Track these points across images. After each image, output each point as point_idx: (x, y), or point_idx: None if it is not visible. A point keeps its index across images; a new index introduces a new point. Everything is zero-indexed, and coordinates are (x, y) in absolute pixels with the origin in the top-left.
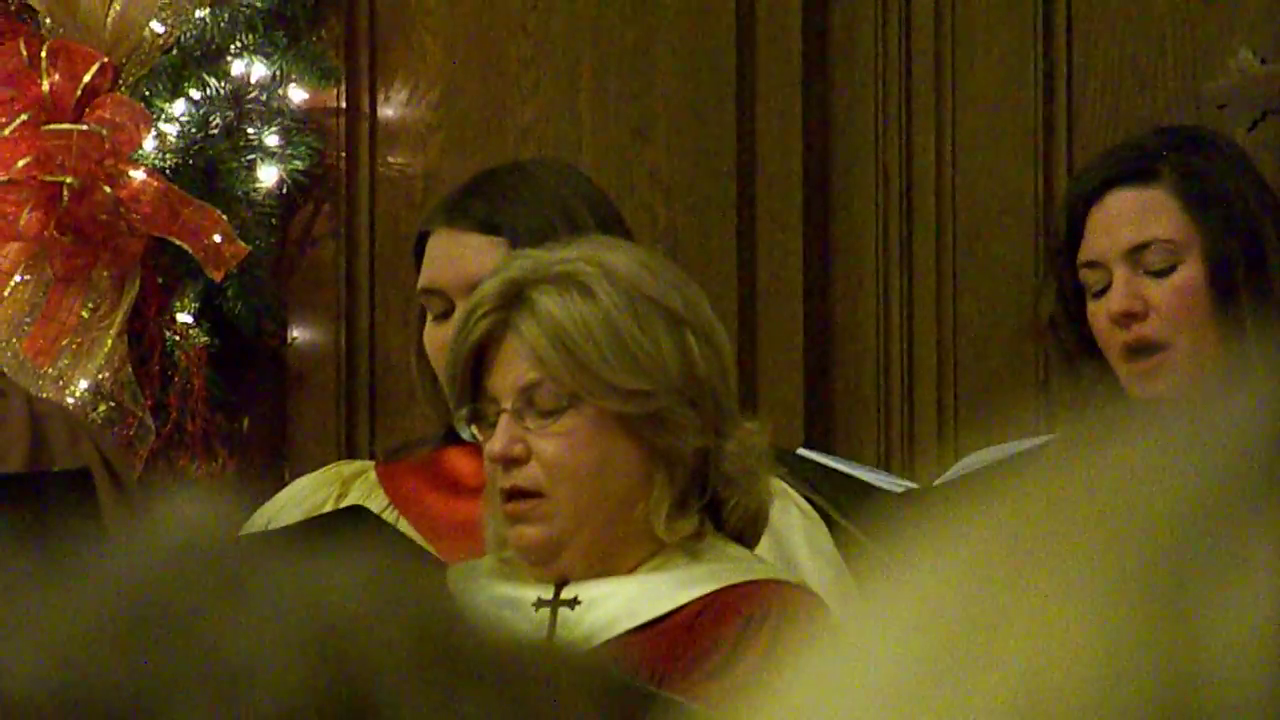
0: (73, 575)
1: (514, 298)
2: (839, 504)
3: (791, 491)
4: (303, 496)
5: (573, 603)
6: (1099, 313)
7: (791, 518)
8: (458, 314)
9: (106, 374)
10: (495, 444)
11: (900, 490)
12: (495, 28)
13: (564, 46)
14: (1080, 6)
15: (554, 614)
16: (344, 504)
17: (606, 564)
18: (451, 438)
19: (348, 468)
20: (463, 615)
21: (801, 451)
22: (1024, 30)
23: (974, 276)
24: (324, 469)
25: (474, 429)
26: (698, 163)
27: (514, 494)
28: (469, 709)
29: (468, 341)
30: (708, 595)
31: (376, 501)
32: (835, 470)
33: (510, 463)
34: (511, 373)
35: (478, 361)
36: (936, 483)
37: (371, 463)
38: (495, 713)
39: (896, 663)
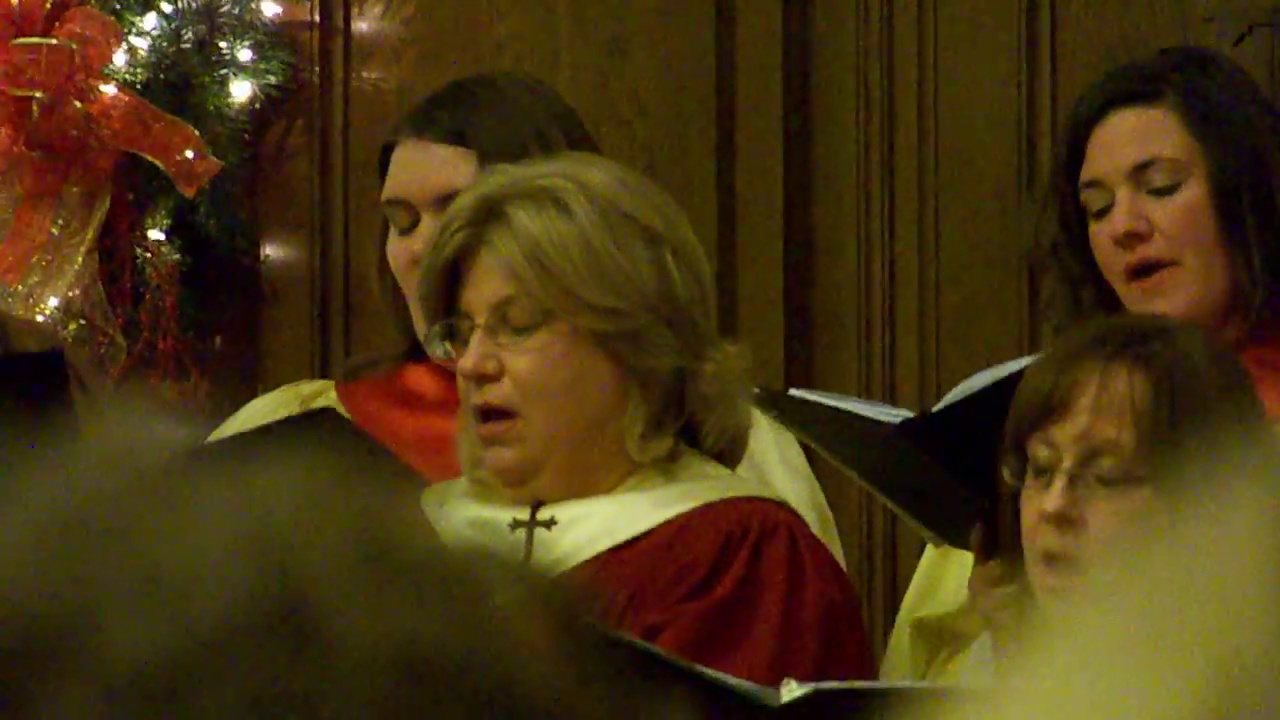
0: (32, 470)
1: (490, 213)
2: (832, 447)
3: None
4: (261, 416)
5: (549, 523)
6: (1101, 233)
7: (762, 432)
8: (426, 227)
9: (77, 291)
10: (468, 359)
11: (896, 419)
12: None
13: None
14: None
15: (530, 535)
16: None
17: (582, 484)
18: (413, 354)
19: (308, 386)
20: (402, 521)
21: (794, 391)
22: None
23: (956, 192)
24: (282, 388)
25: (447, 345)
26: (676, 79)
27: (487, 413)
28: (405, 615)
29: (442, 255)
30: (687, 513)
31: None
32: (828, 407)
33: (483, 379)
34: (486, 288)
35: (452, 277)
36: (935, 409)
37: (331, 382)
38: (432, 619)
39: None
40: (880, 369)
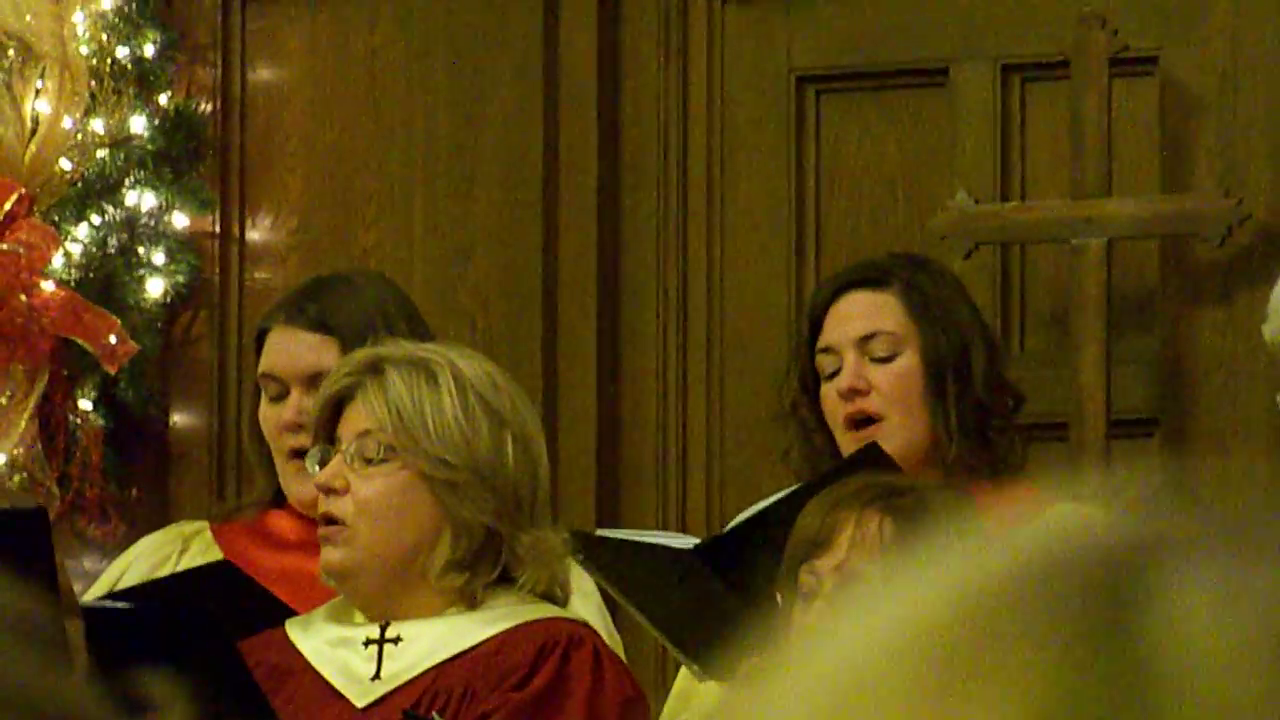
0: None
1: (373, 367)
2: (624, 586)
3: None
4: (151, 550)
5: (396, 640)
6: (830, 392)
7: (585, 583)
8: (294, 398)
9: (20, 450)
10: (321, 475)
11: (690, 545)
12: (344, 166)
13: (400, 183)
14: (827, 155)
15: (380, 649)
16: (184, 560)
17: (400, 598)
18: (277, 501)
19: (189, 526)
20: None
21: (600, 531)
22: (780, 174)
23: (737, 372)
24: (167, 528)
25: (317, 466)
26: (510, 280)
27: (327, 519)
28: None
29: (328, 392)
30: (508, 629)
31: (213, 555)
32: (632, 542)
33: (329, 492)
34: (352, 423)
35: (332, 414)
36: (724, 532)
37: (207, 522)
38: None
39: None
40: (674, 512)
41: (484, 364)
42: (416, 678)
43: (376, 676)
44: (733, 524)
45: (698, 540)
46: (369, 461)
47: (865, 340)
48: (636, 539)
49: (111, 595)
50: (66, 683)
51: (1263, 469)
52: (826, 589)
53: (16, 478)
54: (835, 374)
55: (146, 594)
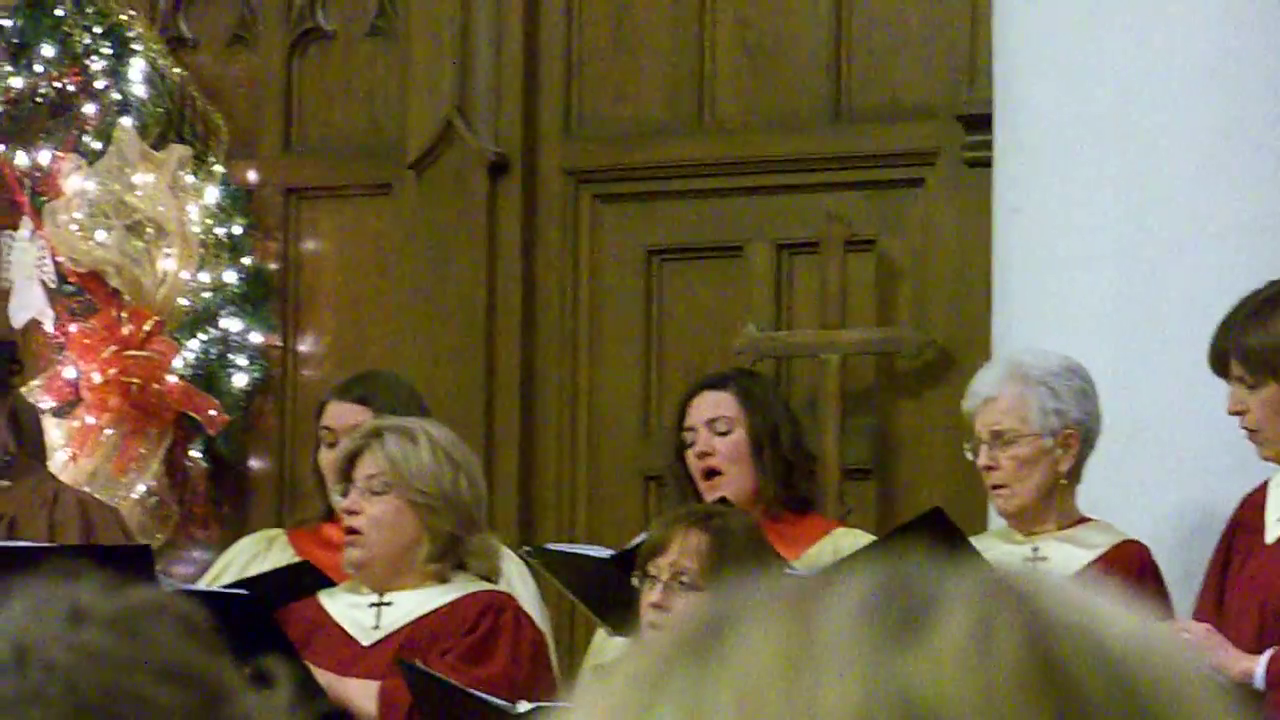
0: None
1: (376, 434)
2: (562, 576)
3: (512, 554)
4: (248, 547)
5: (390, 604)
6: (692, 457)
7: (511, 566)
8: (342, 445)
9: (154, 482)
10: (346, 503)
11: (608, 554)
12: (359, 306)
13: (396, 319)
14: (669, 301)
15: (380, 609)
16: (269, 554)
17: (398, 580)
18: (328, 515)
19: (272, 532)
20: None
21: (549, 545)
22: (639, 315)
23: (609, 441)
24: (257, 533)
25: (340, 497)
26: (465, 381)
27: (349, 530)
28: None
29: (347, 449)
30: (459, 597)
31: (288, 553)
32: (570, 553)
33: (351, 514)
34: (363, 469)
35: (350, 463)
36: (623, 550)
37: (284, 530)
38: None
39: None
40: (567, 528)
41: (446, 431)
42: (402, 627)
43: (376, 626)
44: (635, 541)
45: (613, 551)
46: (375, 493)
47: (711, 422)
48: (571, 550)
49: (226, 585)
50: (220, 662)
51: (936, 498)
52: (664, 577)
53: (152, 500)
54: (694, 444)
55: (250, 584)
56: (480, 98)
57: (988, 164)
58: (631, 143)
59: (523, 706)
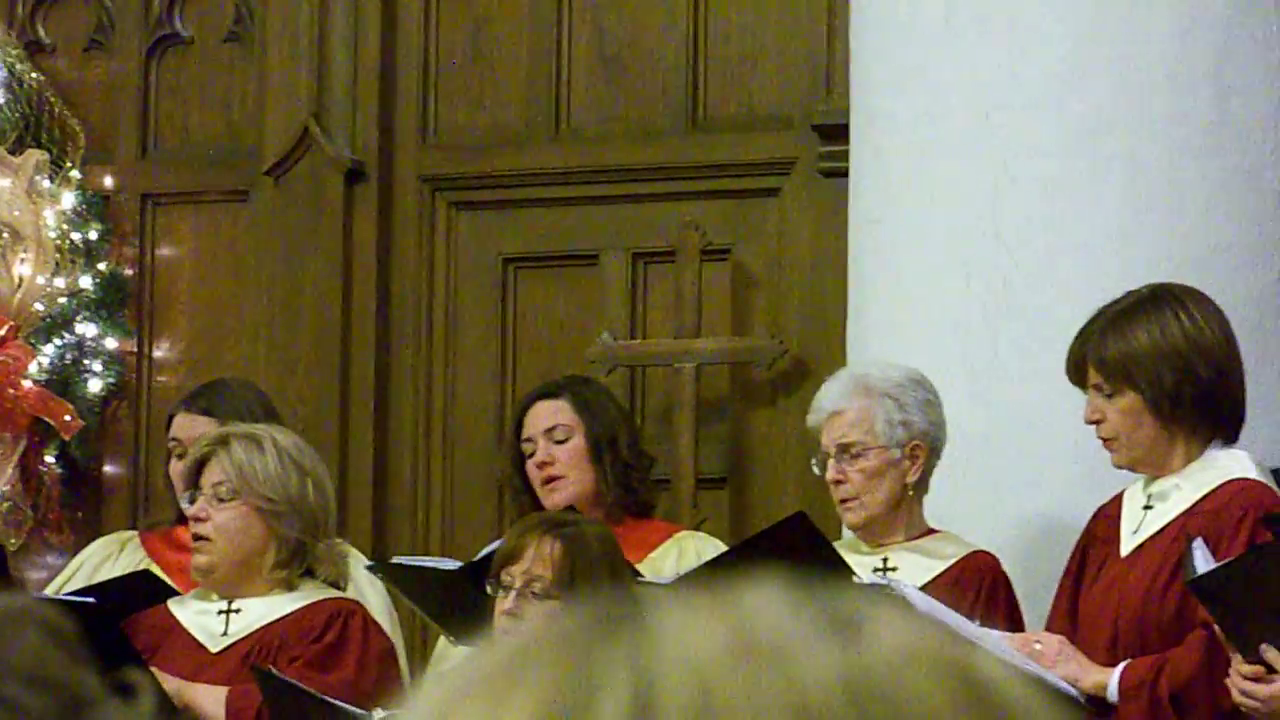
0: None
1: (223, 441)
2: (408, 590)
3: (363, 559)
4: (97, 549)
5: (238, 610)
6: (532, 467)
7: (360, 572)
8: (189, 456)
9: (7, 486)
10: (193, 510)
11: (456, 566)
12: (215, 312)
13: (250, 325)
14: (523, 309)
15: (228, 616)
16: (121, 556)
17: (245, 586)
18: (180, 520)
19: (125, 534)
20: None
21: (395, 559)
22: (494, 321)
23: (463, 449)
24: (108, 536)
25: (188, 505)
26: (320, 386)
27: (197, 537)
28: None
29: (194, 456)
30: (308, 604)
31: (140, 555)
32: (413, 566)
33: (199, 520)
34: (211, 476)
35: (198, 470)
36: (473, 560)
37: (136, 532)
38: None
39: None
40: (421, 535)
41: (294, 437)
42: (250, 634)
43: (225, 633)
44: (482, 553)
45: (460, 563)
46: (222, 500)
47: (549, 431)
48: (415, 562)
49: (72, 591)
50: (83, 669)
51: (789, 507)
52: (517, 585)
53: (7, 504)
54: (533, 454)
55: (95, 590)
56: (337, 105)
57: (843, 174)
58: (488, 151)
59: (377, 714)
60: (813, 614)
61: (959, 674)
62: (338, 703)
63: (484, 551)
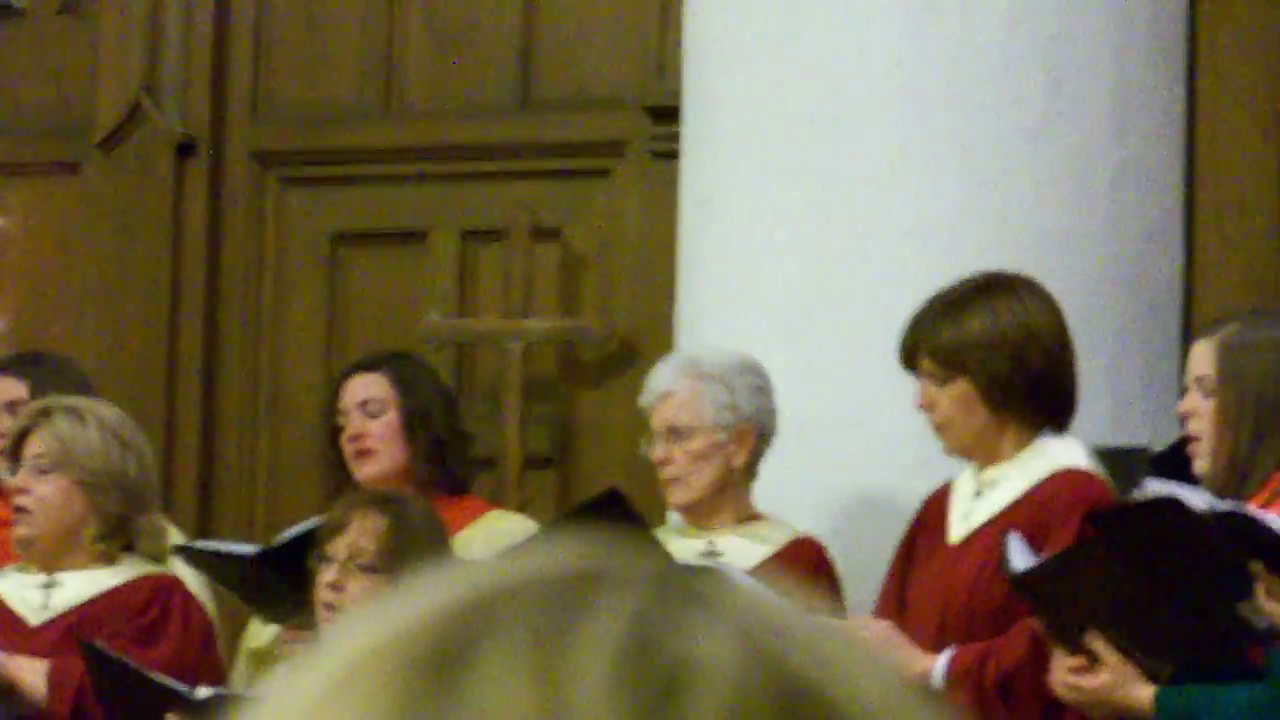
0: None
1: (45, 413)
2: (212, 570)
3: (182, 535)
4: None
5: (59, 585)
6: (343, 440)
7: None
8: (11, 421)
9: None
10: (15, 481)
11: (252, 550)
12: (40, 291)
13: (75, 302)
14: (352, 285)
15: (49, 590)
16: None
17: (65, 559)
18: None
19: None
20: None
21: (197, 543)
22: (321, 298)
23: (289, 424)
24: None
25: (8, 476)
26: (145, 360)
27: (18, 509)
28: None
29: (16, 428)
30: (132, 580)
31: None
32: (219, 550)
33: (20, 492)
34: (33, 447)
35: (19, 441)
36: (276, 543)
37: None
38: None
39: None
40: (246, 510)
41: (116, 411)
42: (71, 608)
43: (46, 606)
44: (287, 535)
45: (261, 547)
46: (43, 472)
47: (363, 404)
48: (218, 547)
49: None
50: None
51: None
52: (341, 558)
53: None
54: (346, 427)
55: None
56: (169, 78)
57: (675, 155)
58: (319, 127)
59: (203, 691)
60: (634, 678)
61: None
62: (166, 680)
63: (290, 533)
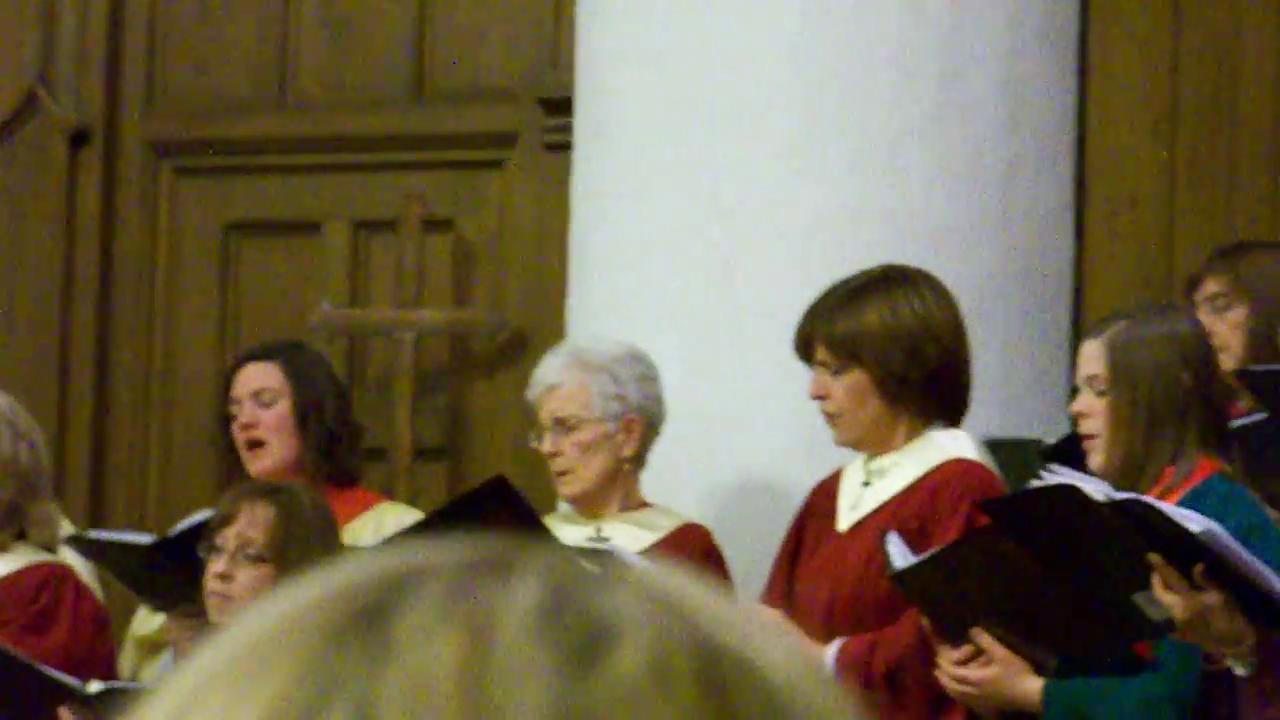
0: None
1: None
2: (106, 560)
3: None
4: None
5: None
6: (235, 429)
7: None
8: None
9: None
10: None
11: (147, 540)
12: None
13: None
14: (245, 276)
15: None
16: None
17: None
18: None
19: None
20: None
21: (91, 533)
22: (213, 287)
23: (180, 413)
24: None
25: None
26: (39, 349)
27: None
28: None
29: None
30: (23, 567)
31: None
32: (108, 540)
33: None
34: None
35: None
36: (171, 534)
37: None
38: None
39: None
40: (138, 498)
41: (8, 398)
42: None
43: None
44: (184, 524)
45: (157, 537)
46: None
47: (256, 394)
48: (109, 537)
49: None
50: None
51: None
52: (230, 548)
53: None
54: (238, 416)
55: None
56: (64, 67)
57: (568, 148)
58: (213, 117)
59: (94, 686)
60: (558, 629)
61: (714, 687)
62: (57, 674)
63: (183, 525)
